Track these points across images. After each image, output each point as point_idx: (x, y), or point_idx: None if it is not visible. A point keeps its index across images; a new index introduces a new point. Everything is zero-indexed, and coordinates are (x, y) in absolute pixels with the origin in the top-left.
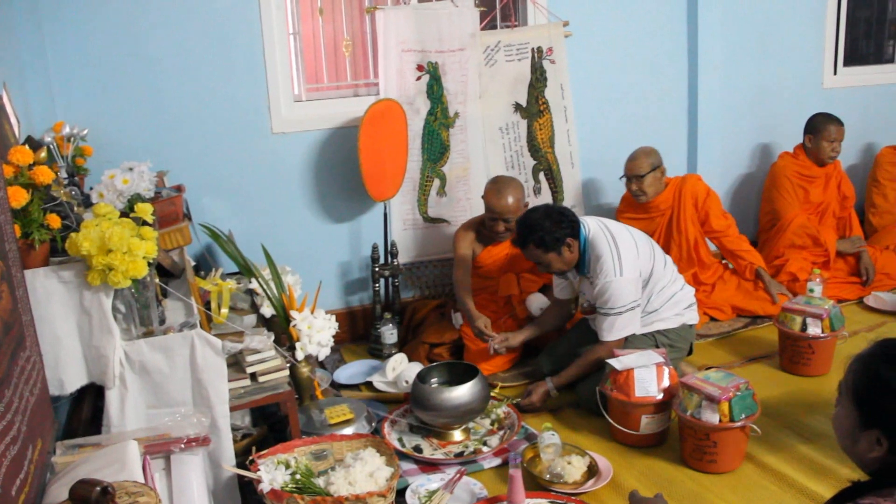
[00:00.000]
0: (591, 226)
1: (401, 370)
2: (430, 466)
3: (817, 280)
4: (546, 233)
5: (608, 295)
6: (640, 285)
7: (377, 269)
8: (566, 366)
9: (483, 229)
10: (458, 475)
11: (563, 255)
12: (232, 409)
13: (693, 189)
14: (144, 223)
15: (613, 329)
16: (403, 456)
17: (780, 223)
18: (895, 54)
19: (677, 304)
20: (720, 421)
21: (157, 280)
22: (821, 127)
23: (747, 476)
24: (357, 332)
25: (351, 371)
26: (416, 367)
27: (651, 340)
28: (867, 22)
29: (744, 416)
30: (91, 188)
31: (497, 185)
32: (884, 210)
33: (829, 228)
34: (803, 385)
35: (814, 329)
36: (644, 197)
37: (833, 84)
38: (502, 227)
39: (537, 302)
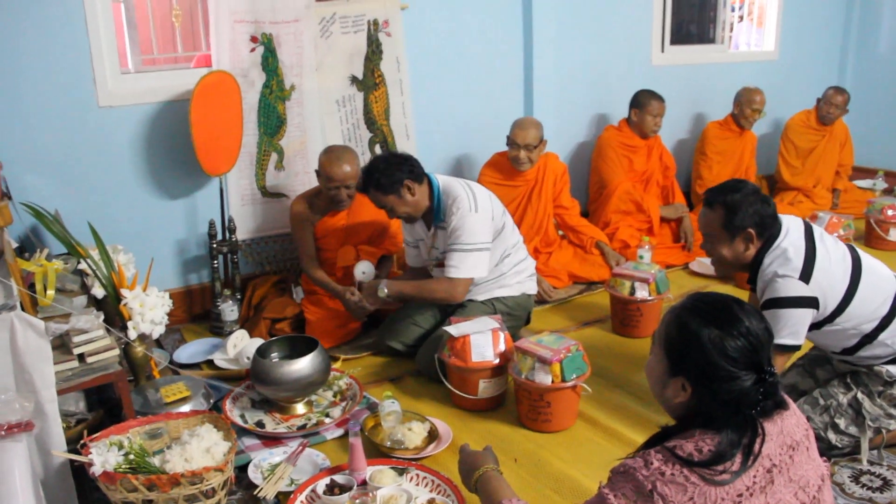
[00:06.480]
0: (446, 178)
1: (242, 347)
2: (272, 441)
3: (647, 247)
4: (382, 174)
5: (462, 230)
6: (491, 229)
7: (215, 245)
8: (408, 336)
9: (318, 201)
10: (300, 447)
11: (405, 198)
12: (60, 392)
13: (554, 167)
14: None
15: (462, 265)
16: (246, 432)
17: (606, 190)
18: (716, 35)
19: (520, 273)
20: (552, 381)
21: None
22: (645, 102)
23: (580, 433)
24: (197, 312)
25: (192, 350)
26: (258, 343)
27: (490, 308)
28: (691, 5)
29: (575, 376)
30: None
31: (334, 154)
32: (709, 181)
33: (653, 196)
34: (633, 346)
35: (641, 293)
36: (528, 165)
37: (661, 62)
38: (345, 195)
39: (361, 267)
